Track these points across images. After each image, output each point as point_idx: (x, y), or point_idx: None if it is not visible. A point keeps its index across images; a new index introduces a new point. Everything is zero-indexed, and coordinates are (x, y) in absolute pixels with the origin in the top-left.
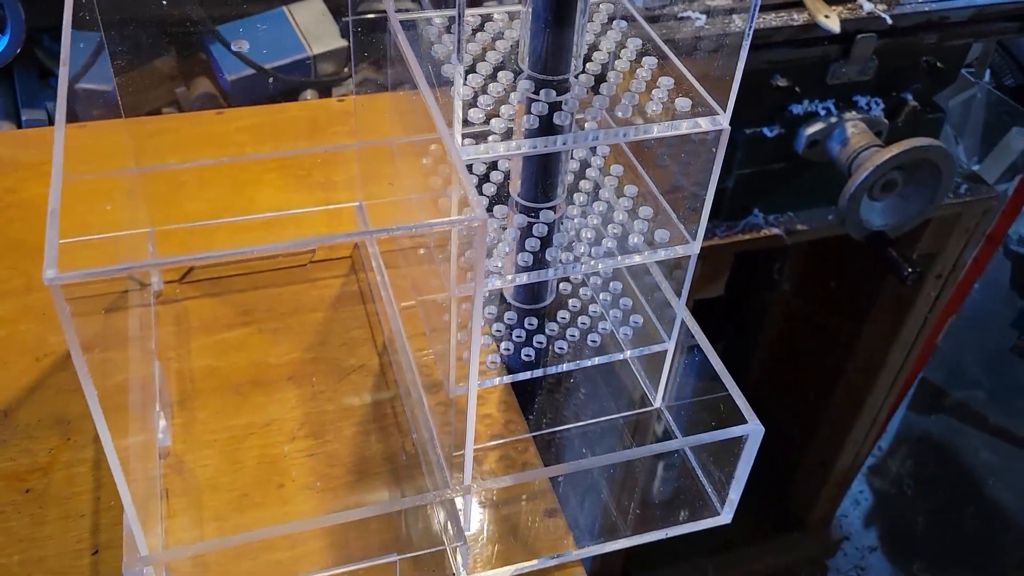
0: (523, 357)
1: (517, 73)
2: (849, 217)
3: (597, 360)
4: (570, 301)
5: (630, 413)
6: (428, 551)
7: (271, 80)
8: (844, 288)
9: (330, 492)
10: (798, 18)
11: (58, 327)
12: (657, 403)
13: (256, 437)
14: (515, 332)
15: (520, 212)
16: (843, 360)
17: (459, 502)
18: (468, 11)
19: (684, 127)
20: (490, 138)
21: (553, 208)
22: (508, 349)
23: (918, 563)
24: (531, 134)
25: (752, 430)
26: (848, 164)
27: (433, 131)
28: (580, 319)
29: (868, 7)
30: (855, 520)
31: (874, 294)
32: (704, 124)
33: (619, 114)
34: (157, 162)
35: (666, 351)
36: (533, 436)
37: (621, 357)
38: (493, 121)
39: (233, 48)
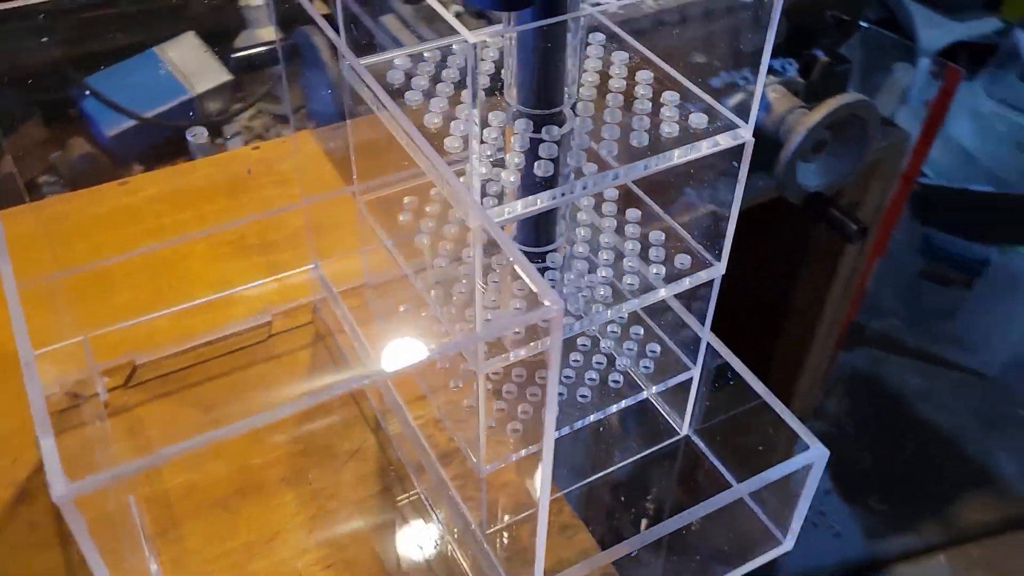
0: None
1: (505, 109)
2: (787, 182)
3: (624, 403)
4: (578, 340)
5: (658, 447)
6: None
7: (155, 128)
8: (780, 249)
9: None
10: None
11: None
12: (684, 431)
13: (261, 558)
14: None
15: None
16: (783, 318)
17: None
18: (427, 45)
19: (705, 147)
20: (505, 195)
21: (556, 250)
22: (526, 412)
23: (872, 497)
24: (544, 182)
25: (817, 456)
26: (776, 129)
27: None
28: (595, 359)
29: None
30: None
31: (806, 251)
32: (725, 141)
33: (633, 143)
34: (68, 253)
35: (691, 379)
36: (564, 493)
37: (645, 396)
38: (503, 173)
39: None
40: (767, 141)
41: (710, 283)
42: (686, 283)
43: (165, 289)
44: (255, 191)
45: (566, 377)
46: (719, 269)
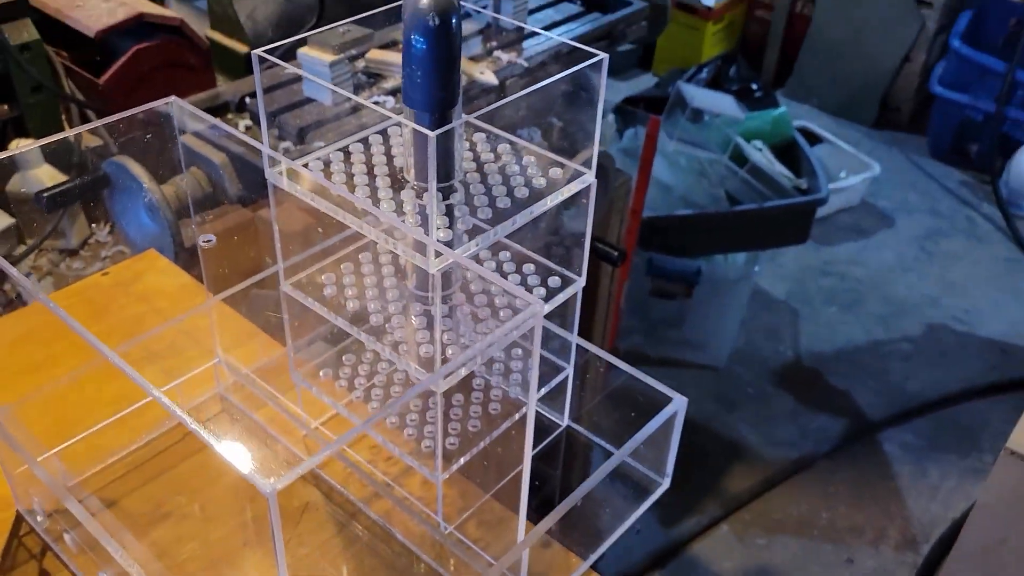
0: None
1: (412, 187)
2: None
3: (506, 425)
4: (473, 380)
5: (545, 444)
6: None
7: None
8: None
9: None
10: (463, 79)
11: None
12: (564, 422)
13: None
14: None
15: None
16: None
17: None
18: (325, 150)
19: (566, 191)
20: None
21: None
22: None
23: None
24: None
25: (678, 404)
26: None
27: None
28: (475, 391)
29: (505, 57)
30: None
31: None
32: (577, 186)
33: (518, 195)
34: None
35: (567, 377)
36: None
37: (527, 409)
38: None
39: None
40: None
41: (575, 294)
42: (560, 298)
43: (83, 411)
44: (120, 311)
45: (454, 413)
46: (581, 282)
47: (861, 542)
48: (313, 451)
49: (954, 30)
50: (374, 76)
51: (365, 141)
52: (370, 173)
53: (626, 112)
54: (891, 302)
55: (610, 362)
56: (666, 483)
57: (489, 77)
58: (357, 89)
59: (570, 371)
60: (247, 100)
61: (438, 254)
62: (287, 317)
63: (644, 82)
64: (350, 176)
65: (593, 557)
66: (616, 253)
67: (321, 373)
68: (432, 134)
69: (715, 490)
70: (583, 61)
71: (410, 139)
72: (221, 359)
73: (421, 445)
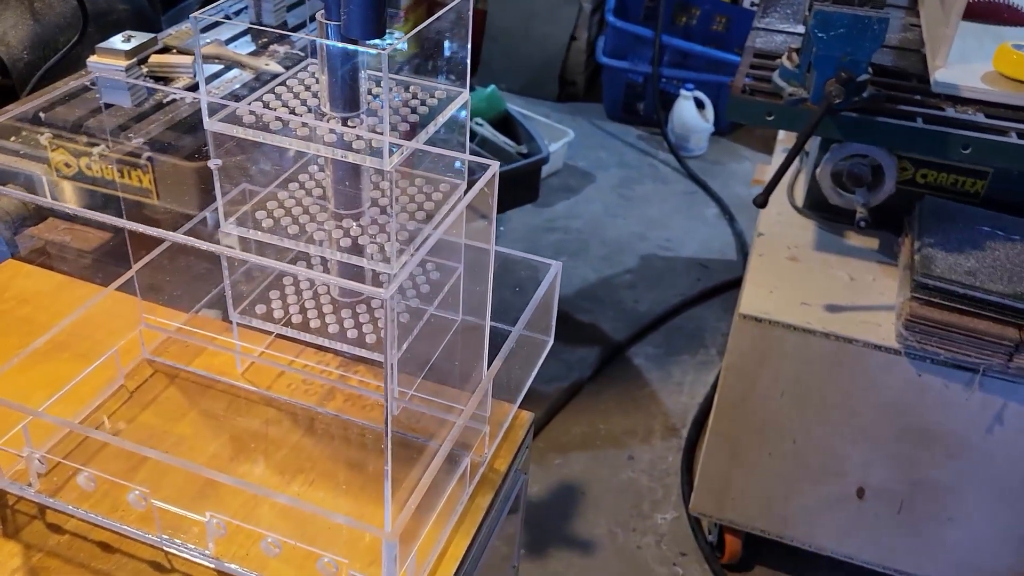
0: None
1: (331, 118)
2: None
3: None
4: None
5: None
6: None
7: None
8: None
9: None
10: (250, 73)
11: None
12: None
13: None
14: None
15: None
16: None
17: None
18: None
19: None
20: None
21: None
22: None
23: None
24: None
25: (554, 268)
26: None
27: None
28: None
29: (281, 49)
30: None
31: None
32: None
33: (420, 112)
34: None
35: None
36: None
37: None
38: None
39: None
40: None
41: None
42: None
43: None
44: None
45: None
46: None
47: (635, 441)
48: (256, 382)
49: (607, 7)
50: (161, 79)
51: (274, 91)
52: (293, 113)
53: None
54: (608, 244)
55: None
56: (551, 339)
57: (275, 67)
58: (150, 90)
59: (460, 269)
60: (41, 115)
61: (393, 150)
62: (225, 262)
63: None
64: (280, 116)
65: (518, 401)
66: None
67: (257, 308)
68: (385, 52)
69: None
70: None
71: (326, 77)
72: (145, 323)
73: (365, 339)
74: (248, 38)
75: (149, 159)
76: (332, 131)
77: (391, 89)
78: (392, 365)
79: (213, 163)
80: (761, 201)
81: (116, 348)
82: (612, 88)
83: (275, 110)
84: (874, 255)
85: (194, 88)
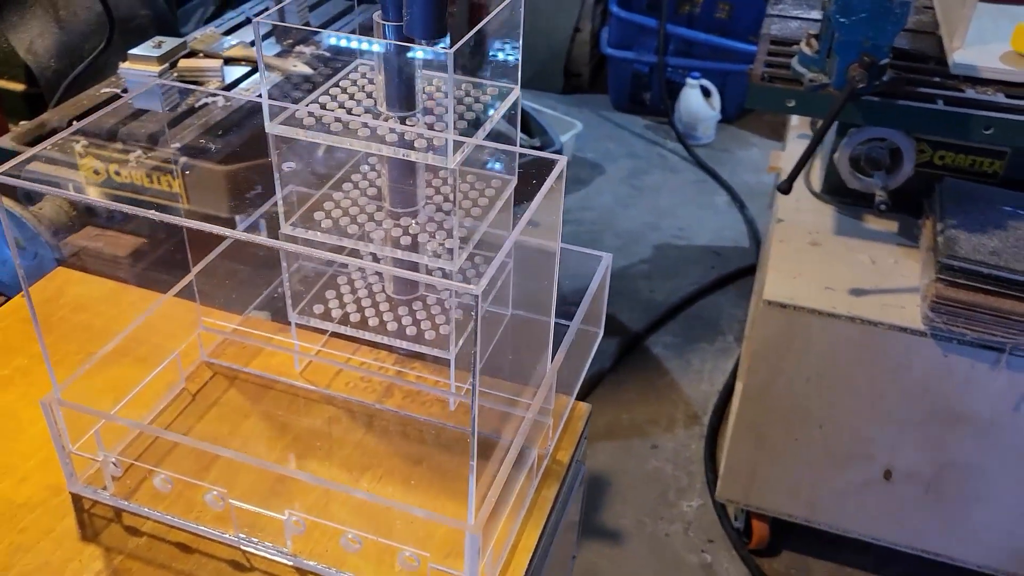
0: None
1: (388, 117)
2: None
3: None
4: None
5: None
6: None
7: None
8: None
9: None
10: (278, 75)
11: None
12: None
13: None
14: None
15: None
16: None
17: None
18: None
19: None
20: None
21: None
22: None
23: None
24: None
25: (605, 259)
26: None
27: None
28: None
29: (307, 50)
30: None
31: None
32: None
33: (475, 109)
34: None
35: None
36: None
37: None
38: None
39: None
40: None
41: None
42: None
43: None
44: (60, 324)
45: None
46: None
47: (658, 429)
48: (315, 381)
49: None
50: (191, 83)
51: (328, 92)
52: (350, 113)
53: None
54: (621, 235)
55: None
56: (601, 332)
57: (303, 68)
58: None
59: (510, 264)
60: (74, 123)
61: (459, 146)
62: (285, 263)
63: None
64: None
65: (575, 392)
66: None
67: (315, 308)
68: (451, 51)
69: None
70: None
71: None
72: (203, 326)
73: (424, 335)
74: (272, 40)
75: (183, 166)
76: (393, 130)
77: (458, 87)
78: (476, 363)
79: (287, 166)
80: (785, 187)
81: (177, 352)
82: (618, 79)
83: (333, 111)
84: (894, 238)
85: (227, 89)
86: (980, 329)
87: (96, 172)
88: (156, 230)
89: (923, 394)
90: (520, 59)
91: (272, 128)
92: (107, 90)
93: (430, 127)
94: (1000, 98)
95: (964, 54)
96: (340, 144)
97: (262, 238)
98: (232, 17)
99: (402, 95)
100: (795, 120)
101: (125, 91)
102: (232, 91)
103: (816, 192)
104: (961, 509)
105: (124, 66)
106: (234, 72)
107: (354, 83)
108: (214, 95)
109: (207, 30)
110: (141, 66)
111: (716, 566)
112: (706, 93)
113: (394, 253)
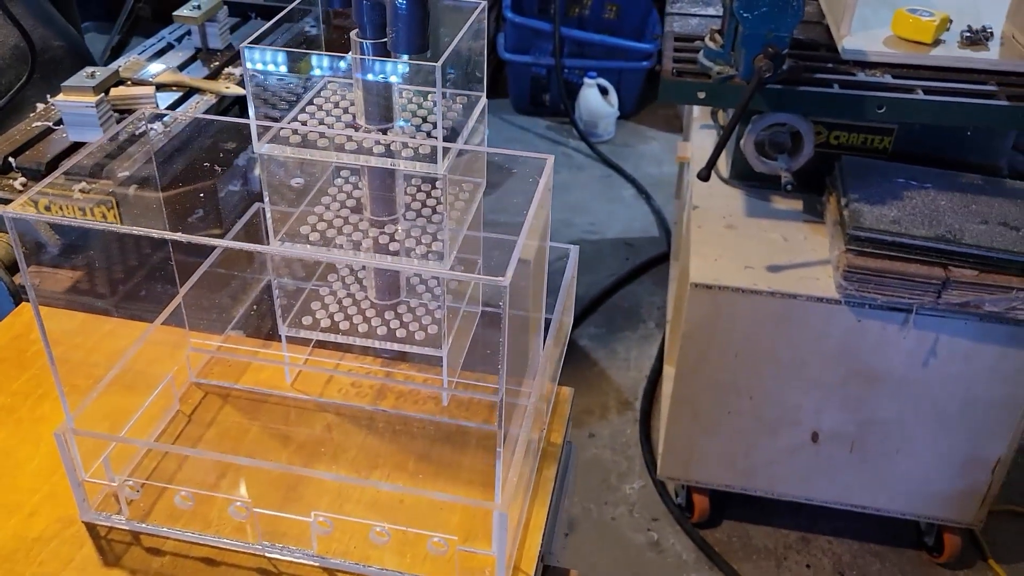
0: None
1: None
2: None
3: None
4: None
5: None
6: None
7: None
8: None
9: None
10: (212, 97)
11: None
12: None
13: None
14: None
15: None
16: None
17: None
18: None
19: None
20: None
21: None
22: None
23: None
24: None
25: (572, 251)
26: None
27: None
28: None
29: (237, 71)
30: None
31: None
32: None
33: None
34: None
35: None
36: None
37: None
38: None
39: None
40: None
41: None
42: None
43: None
44: (36, 358)
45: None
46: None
47: (593, 418)
48: (307, 390)
49: (504, 3)
50: (124, 111)
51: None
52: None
53: None
54: None
55: None
56: (572, 320)
57: (236, 90)
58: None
59: (480, 261)
60: (11, 160)
61: (445, 152)
62: (273, 277)
63: None
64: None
65: (557, 379)
66: None
67: (303, 320)
68: (438, 64)
69: None
70: None
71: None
72: (192, 347)
73: (414, 336)
74: (199, 63)
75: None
76: (378, 142)
77: (427, 98)
78: (503, 357)
79: (296, 181)
80: (704, 174)
81: (171, 375)
82: (517, 82)
83: (314, 128)
84: (801, 215)
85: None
86: (888, 293)
87: (47, 208)
88: (98, 264)
89: (841, 358)
90: (486, 69)
91: (259, 148)
92: (39, 123)
93: (411, 137)
94: (888, 79)
95: (852, 40)
96: (328, 159)
97: (260, 246)
98: (153, 44)
99: (381, 108)
100: (696, 111)
101: (60, 123)
102: (175, 113)
103: (725, 178)
104: (883, 463)
105: (59, 98)
106: (167, 98)
107: (327, 100)
108: (242, 122)
109: (131, 58)
110: (76, 97)
111: (663, 542)
112: (603, 91)
113: (384, 260)
